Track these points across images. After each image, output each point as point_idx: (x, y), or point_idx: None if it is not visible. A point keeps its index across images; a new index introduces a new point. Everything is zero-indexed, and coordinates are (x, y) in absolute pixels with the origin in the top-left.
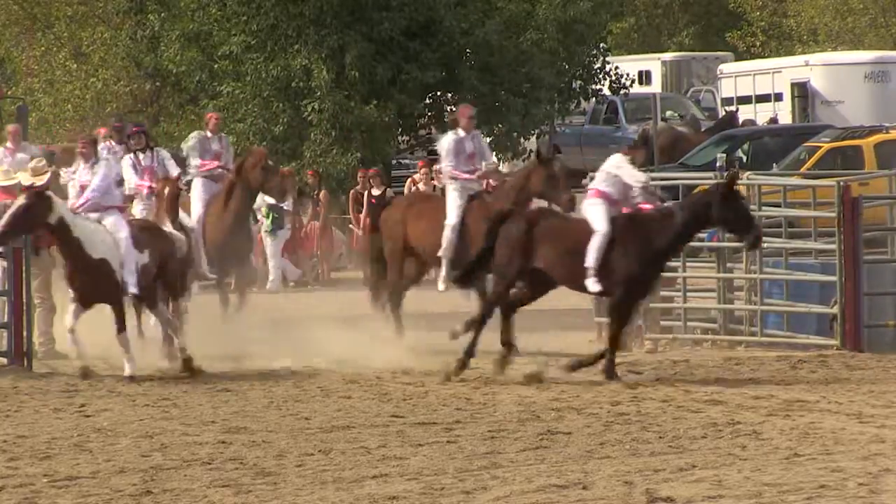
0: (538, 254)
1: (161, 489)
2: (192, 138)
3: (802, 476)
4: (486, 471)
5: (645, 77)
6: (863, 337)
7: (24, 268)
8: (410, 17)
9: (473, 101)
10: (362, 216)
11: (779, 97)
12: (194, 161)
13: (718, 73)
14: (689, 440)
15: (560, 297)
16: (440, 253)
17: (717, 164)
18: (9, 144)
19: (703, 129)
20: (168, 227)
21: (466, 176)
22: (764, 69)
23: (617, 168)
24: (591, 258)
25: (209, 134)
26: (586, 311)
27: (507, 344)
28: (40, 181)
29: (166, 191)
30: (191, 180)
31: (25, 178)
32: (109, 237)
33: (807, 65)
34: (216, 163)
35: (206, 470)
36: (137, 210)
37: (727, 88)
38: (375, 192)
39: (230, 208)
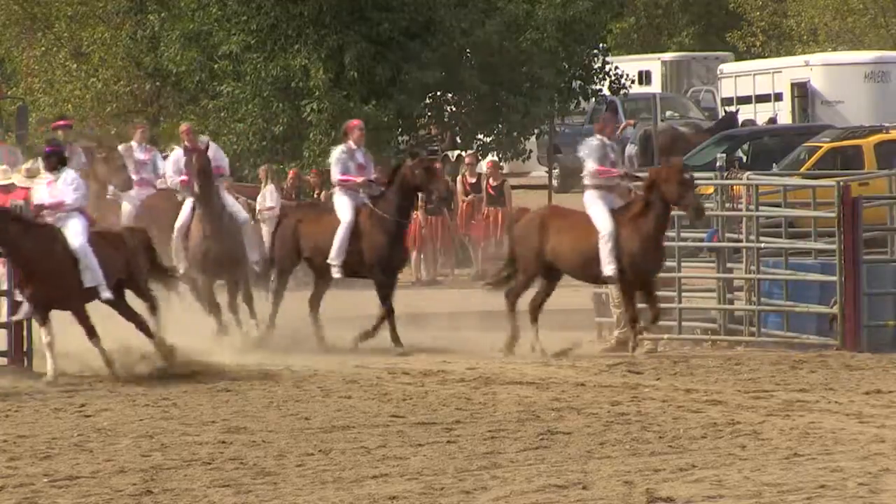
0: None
1: (161, 489)
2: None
3: (802, 476)
4: (486, 471)
5: (645, 77)
6: (863, 337)
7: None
8: (410, 17)
9: (473, 101)
10: None
11: (779, 97)
12: None
13: (718, 73)
14: (689, 440)
15: (560, 297)
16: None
17: (717, 164)
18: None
19: (704, 129)
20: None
21: (358, 179)
22: (764, 69)
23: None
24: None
25: None
26: (586, 311)
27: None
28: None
29: None
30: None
31: (20, 181)
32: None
33: (807, 65)
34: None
35: (206, 470)
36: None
37: (727, 88)
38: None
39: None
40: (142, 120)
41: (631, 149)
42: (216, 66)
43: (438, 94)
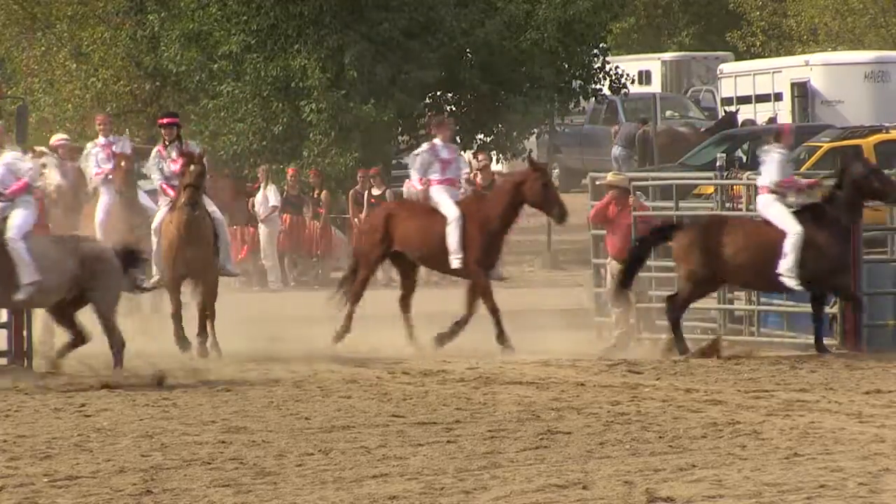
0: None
1: (161, 489)
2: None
3: (802, 476)
4: (486, 471)
5: (645, 77)
6: (863, 337)
7: None
8: (410, 17)
9: (473, 100)
10: (362, 216)
11: (779, 97)
12: None
13: (718, 73)
14: (689, 440)
15: (560, 298)
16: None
17: (717, 164)
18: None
19: (703, 129)
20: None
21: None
22: (764, 69)
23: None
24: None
25: None
26: (586, 311)
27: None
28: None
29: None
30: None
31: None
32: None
33: (807, 65)
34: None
35: (206, 470)
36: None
37: (727, 88)
38: (376, 191)
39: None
40: (100, 111)
41: (616, 150)
42: (216, 66)
43: (438, 93)
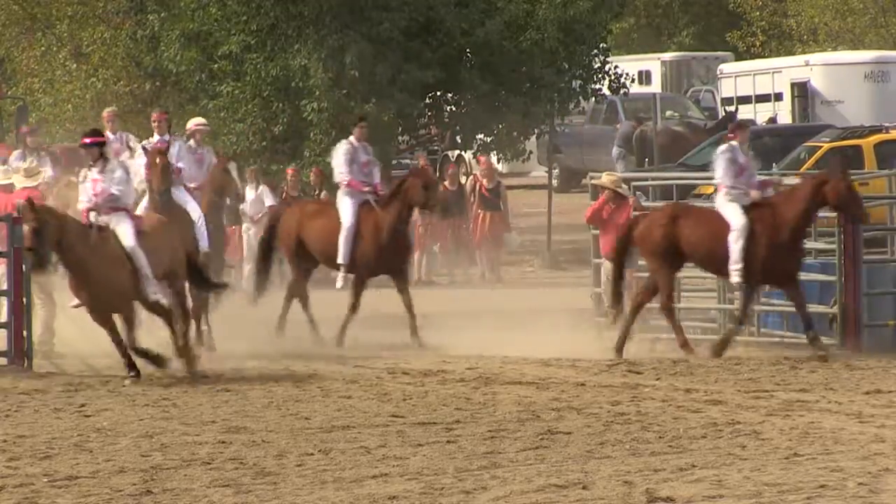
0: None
1: (161, 489)
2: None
3: (802, 476)
4: (486, 471)
5: (645, 77)
6: (863, 337)
7: (24, 268)
8: (410, 17)
9: (473, 100)
10: None
11: (779, 97)
12: None
13: (718, 73)
14: (689, 440)
15: (560, 298)
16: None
17: None
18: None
19: (706, 128)
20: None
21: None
22: (764, 69)
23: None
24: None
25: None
26: (586, 311)
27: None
28: (33, 182)
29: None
30: None
31: (19, 181)
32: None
33: (807, 65)
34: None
35: (206, 470)
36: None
37: (727, 88)
38: None
39: None
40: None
41: (615, 151)
42: (216, 66)
43: (438, 93)
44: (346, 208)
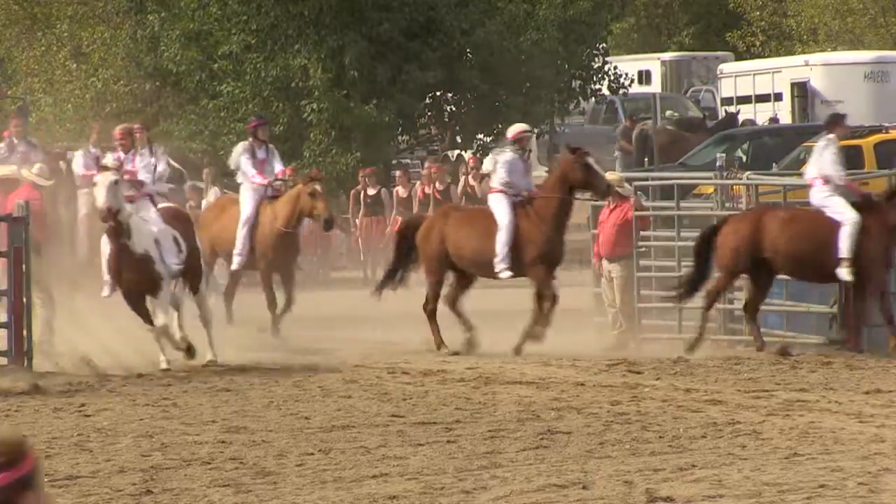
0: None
1: (161, 489)
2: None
3: (802, 476)
4: (486, 471)
5: (645, 77)
6: (863, 337)
7: (24, 267)
8: (410, 17)
9: (473, 101)
10: (360, 216)
11: (779, 97)
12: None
13: (718, 73)
14: (689, 440)
15: (560, 298)
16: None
17: (717, 164)
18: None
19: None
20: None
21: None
22: (764, 69)
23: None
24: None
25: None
26: (586, 311)
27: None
28: (47, 183)
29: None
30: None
31: (28, 175)
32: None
33: (807, 65)
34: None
35: (206, 470)
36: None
37: (727, 88)
38: (371, 191)
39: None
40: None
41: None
42: (216, 66)
43: (438, 93)
44: (501, 210)
